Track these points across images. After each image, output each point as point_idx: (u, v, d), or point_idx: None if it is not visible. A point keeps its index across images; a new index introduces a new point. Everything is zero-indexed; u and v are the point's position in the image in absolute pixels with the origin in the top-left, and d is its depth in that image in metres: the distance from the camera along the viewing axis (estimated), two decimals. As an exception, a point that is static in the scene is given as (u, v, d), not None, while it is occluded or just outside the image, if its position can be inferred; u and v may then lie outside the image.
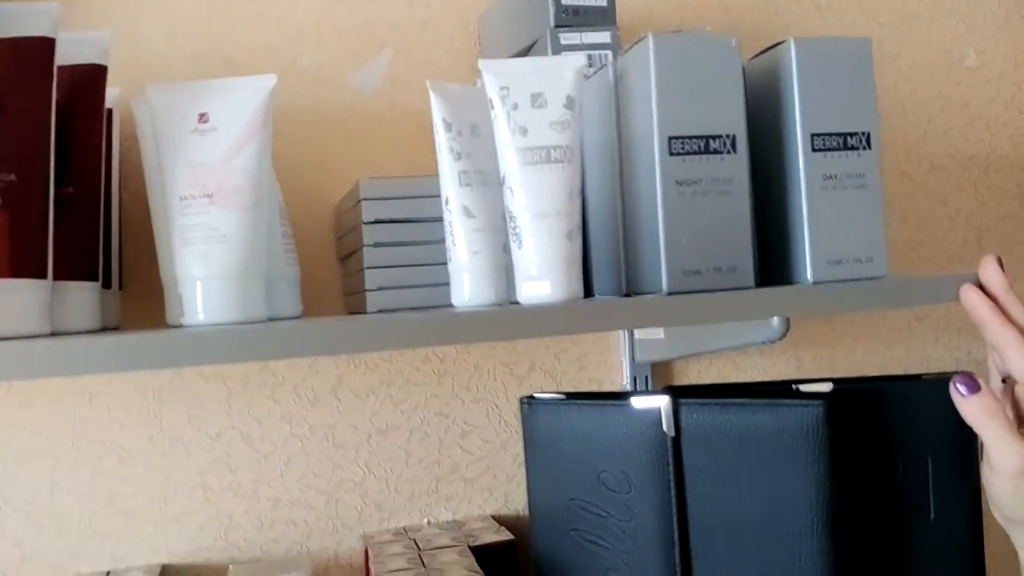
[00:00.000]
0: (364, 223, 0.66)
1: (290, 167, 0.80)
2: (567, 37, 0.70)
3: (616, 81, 0.58)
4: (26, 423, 0.75)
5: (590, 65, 0.65)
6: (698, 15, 0.93)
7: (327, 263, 0.81)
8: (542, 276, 0.52)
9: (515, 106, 0.52)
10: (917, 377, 0.62)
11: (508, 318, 0.49)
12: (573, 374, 0.86)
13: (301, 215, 0.80)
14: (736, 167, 0.54)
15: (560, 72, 0.53)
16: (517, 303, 0.54)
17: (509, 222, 0.53)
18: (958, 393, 0.54)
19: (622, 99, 0.57)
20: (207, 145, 0.56)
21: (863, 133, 0.57)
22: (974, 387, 0.54)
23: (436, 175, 0.61)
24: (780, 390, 0.62)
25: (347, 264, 0.77)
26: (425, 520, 0.84)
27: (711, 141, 0.53)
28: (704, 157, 0.53)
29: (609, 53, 0.70)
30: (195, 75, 0.78)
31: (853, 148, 0.56)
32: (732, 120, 0.54)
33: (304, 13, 0.82)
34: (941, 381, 0.58)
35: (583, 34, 0.70)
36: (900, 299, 0.56)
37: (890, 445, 0.60)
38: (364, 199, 0.66)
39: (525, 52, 0.77)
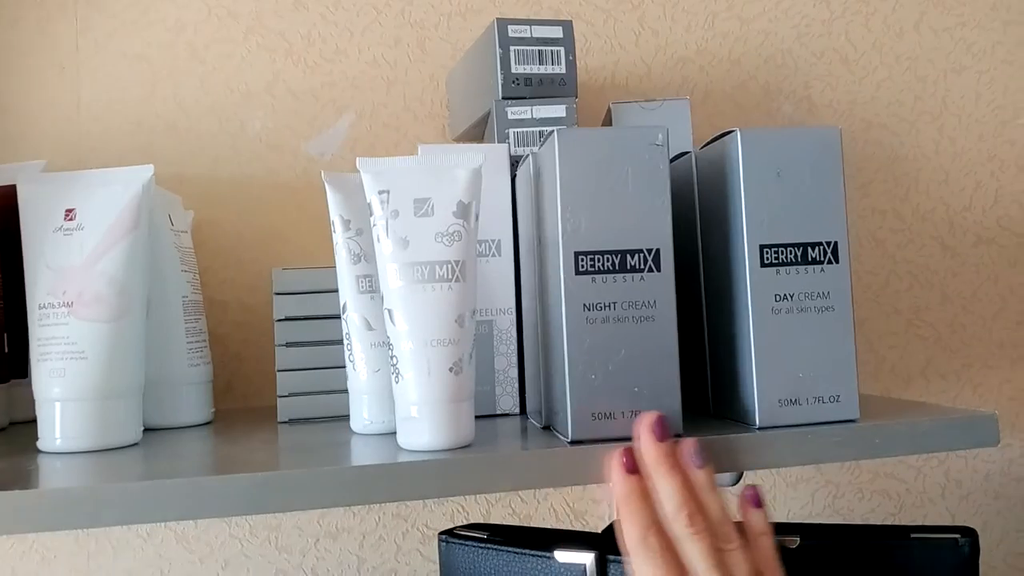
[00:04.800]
0: (275, 321, 0.59)
1: (238, 240, 0.75)
2: (516, 111, 0.62)
3: (535, 177, 0.50)
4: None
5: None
6: (703, 70, 0.83)
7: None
8: (422, 418, 0.43)
9: (395, 213, 0.44)
10: (906, 534, 0.51)
11: (360, 477, 0.41)
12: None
13: (248, 292, 0.74)
14: (660, 288, 0.44)
15: (451, 175, 0.45)
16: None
17: (388, 349, 0.44)
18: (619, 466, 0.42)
19: (538, 199, 0.48)
20: (71, 246, 0.50)
21: (828, 243, 0.46)
22: (632, 468, 0.42)
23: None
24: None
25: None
26: (371, 633, 0.76)
27: (628, 257, 0.44)
28: (619, 276, 0.44)
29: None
30: (134, 144, 0.73)
31: (815, 262, 0.46)
32: (655, 232, 0.44)
33: (255, 73, 0.76)
34: (937, 543, 0.47)
35: (534, 107, 0.62)
36: (871, 450, 0.45)
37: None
38: (276, 293, 0.59)
39: (483, 123, 0.69)
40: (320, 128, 0.77)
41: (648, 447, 0.42)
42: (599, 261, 0.44)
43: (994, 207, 0.89)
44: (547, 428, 0.49)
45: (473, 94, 0.69)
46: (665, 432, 0.42)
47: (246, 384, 0.74)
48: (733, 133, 0.46)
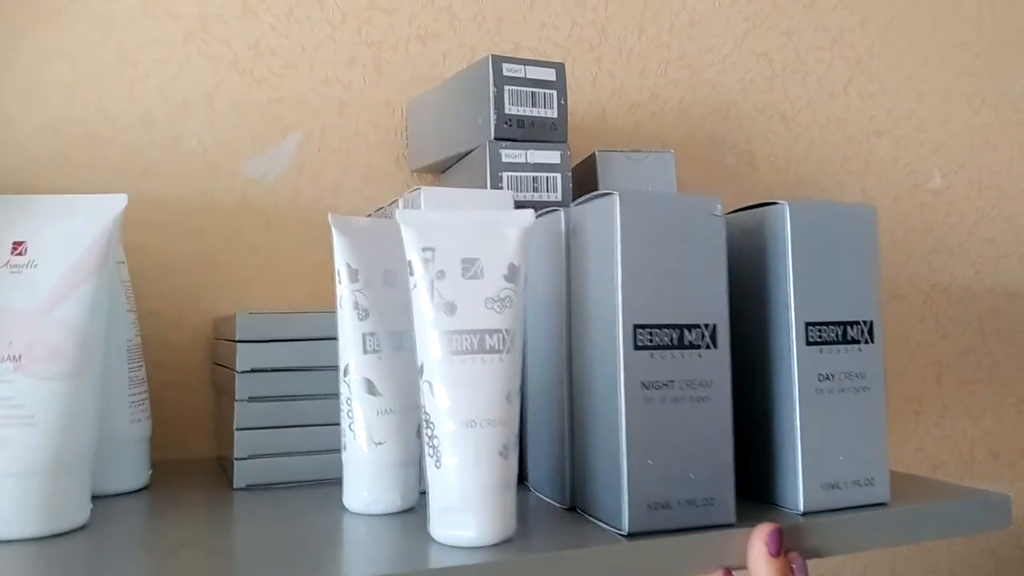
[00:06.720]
0: (238, 372, 0.52)
1: (165, 270, 0.66)
2: (510, 154, 0.58)
3: (567, 235, 0.46)
4: None
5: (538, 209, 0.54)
6: (655, 117, 0.83)
7: (201, 386, 0.67)
8: (465, 509, 0.38)
9: (441, 274, 0.40)
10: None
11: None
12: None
13: (172, 328, 0.66)
14: (716, 366, 0.42)
15: (501, 233, 0.41)
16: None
17: (426, 428, 0.39)
18: (763, 546, 0.41)
19: (575, 263, 0.45)
20: (20, 287, 0.42)
21: (865, 323, 0.46)
22: (776, 550, 0.41)
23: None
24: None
25: (219, 398, 0.63)
26: None
27: (686, 332, 0.41)
28: (677, 353, 0.41)
29: (558, 176, 0.59)
30: (48, 153, 0.63)
31: (854, 341, 0.45)
32: (713, 306, 0.42)
33: (194, 83, 0.67)
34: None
35: (528, 152, 0.58)
36: (911, 534, 0.45)
37: None
38: (240, 341, 0.52)
39: (455, 160, 0.64)
40: (264, 147, 0.69)
41: (760, 562, 0.40)
42: (658, 336, 0.41)
43: (906, 265, 0.94)
44: (572, 509, 0.46)
45: (449, 129, 0.64)
46: (779, 548, 0.40)
47: (166, 431, 0.65)
48: (780, 205, 0.45)
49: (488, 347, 0.39)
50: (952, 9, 0.97)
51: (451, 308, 0.39)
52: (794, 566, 0.41)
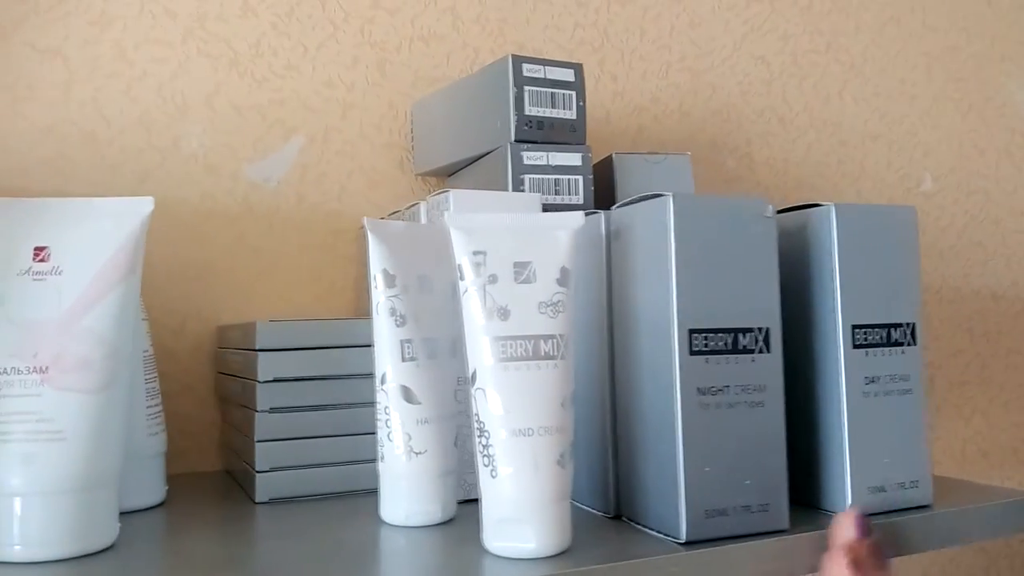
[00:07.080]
0: (259, 382, 0.50)
1: (165, 276, 0.63)
2: (532, 156, 0.57)
3: (608, 238, 0.45)
4: None
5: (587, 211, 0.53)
6: (657, 120, 0.82)
7: (205, 397, 0.64)
8: (522, 520, 0.37)
9: (493, 278, 0.38)
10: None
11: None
12: None
13: (171, 336, 0.63)
14: (769, 370, 0.41)
15: (552, 236, 0.40)
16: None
17: (479, 437, 0.38)
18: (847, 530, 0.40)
19: (618, 266, 0.44)
20: (45, 295, 0.39)
21: (908, 325, 0.46)
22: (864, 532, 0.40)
23: (361, 317, 0.47)
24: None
25: (229, 409, 0.60)
26: None
27: (740, 336, 0.41)
28: (731, 357, 0.40)
29: (580, 179, 0.58)
30: (42, 154, 0.60)
31: (897, 343, 0.45)
32: (766, 309, 0.41)
33: (193, 83, 0.65)
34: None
35: (550, 154, 0.57)
36: (956, 536, 0.45)
37: None
38: (261, 350, 0.50)
39: (468, 162, 0.63)
40: (265, 150, 0.67)
41: (852, 545, 0.39)
42: (712, 340, 0.40)
43: (899, 269, 0.95)
44: (617, 518, 0.45)
45: (461, 131, 0.63)
46: (867, 530, 0.40)
47: (170, 445, 0.63)
48: (826, 207, 0.45)
49: (543, 353, 0.38)
50: (941, 15, 0.98)
51: (504, 313, 0.38)
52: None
